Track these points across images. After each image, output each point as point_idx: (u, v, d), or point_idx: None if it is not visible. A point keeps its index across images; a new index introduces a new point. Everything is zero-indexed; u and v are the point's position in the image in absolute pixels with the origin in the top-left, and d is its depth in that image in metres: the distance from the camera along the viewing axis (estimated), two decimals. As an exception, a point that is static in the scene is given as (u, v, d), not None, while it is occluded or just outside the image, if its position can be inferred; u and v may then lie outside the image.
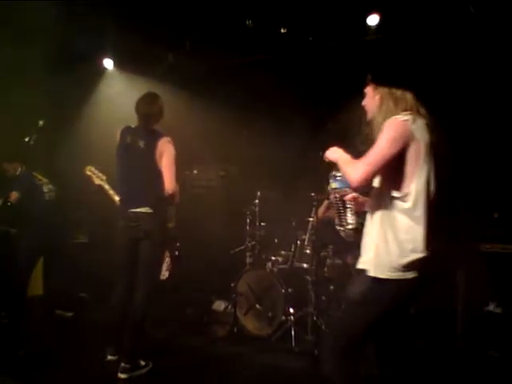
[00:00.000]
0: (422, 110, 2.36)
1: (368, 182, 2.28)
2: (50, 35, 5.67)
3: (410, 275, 2.18)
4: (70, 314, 5.27)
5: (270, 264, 5.00)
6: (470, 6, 4.79)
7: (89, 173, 4.16)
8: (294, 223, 5.19)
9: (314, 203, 4.78)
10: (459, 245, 4.38)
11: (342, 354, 2.33)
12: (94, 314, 5.22)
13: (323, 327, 4.35)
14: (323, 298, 4.76)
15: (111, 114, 5.91)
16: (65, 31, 5.63)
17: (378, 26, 5.29)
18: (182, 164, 5.99)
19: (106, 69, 6.51)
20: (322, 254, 4.93)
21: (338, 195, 2.51)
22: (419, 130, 2.24)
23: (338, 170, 2.45)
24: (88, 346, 4.26)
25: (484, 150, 5.04)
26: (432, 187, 2.25)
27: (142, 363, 3.76)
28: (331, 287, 4.81)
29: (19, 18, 5.20)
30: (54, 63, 5.83)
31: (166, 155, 3.59)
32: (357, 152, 5.14)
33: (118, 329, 3.66)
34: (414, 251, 2.18)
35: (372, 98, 2.46)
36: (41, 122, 4.45)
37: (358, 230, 3.11)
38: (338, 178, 2.47)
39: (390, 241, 2.22)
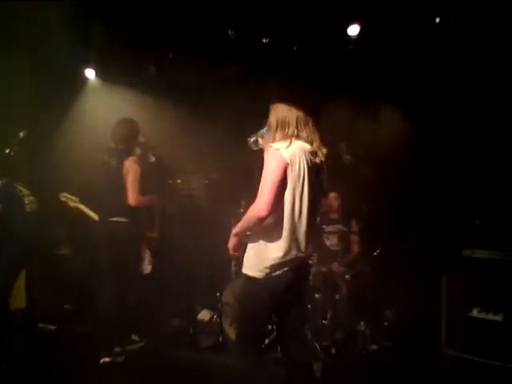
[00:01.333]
0: (304, 134, 2.76)
1: (274, 207, 2.59)
2: (30, 45, 5.63)
3: (274, 274, 2.64)
4: (53, 327, 5.19)
5: (255, 273, 4.98)
6: (450, 15, 4.88)
7: (63, 199, 4.75)
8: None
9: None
10: (441, 251, 4.44)
11: (248, 352, 2.79)
12: (78, 327, 5.17)
13: (309, 335, 4.35)
14: (309, 306, 4.76)
15: (93, 124, 5.88)
16: (46, 41, 5.59)
17: (359, 35, 5.35)
18: (165, 173, 6.02)
19: (87, 79, 6.47)
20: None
21: None
22: (292, 155, 2.65)
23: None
24: (72, 359, 4.21)
25: (465, 157, 5.11)
26: (298, 206, 2.66)
27: (136, 339, 4.50)
28: (316, 295, 4.82)
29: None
30: (34, 73, 5.79)
31: (130, 173, 4.25)
32: (341, 159, 5.21)
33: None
34: (277, 257, 2.64)
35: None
36: (21, 134, 4.41)
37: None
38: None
39: (261, 247, 2.68)
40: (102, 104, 6.12)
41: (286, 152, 2.64)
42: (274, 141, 2.73)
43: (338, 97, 5.63)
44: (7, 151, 4.37)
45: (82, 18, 5.36)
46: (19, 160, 4.58)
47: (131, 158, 4.32)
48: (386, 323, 4.87)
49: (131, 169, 4.25)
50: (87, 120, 6.04)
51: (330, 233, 5.24)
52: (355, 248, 5.28)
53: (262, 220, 2.61)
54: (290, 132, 2.74)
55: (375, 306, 4.87)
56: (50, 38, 5.40)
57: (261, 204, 2.58)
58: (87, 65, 6.36)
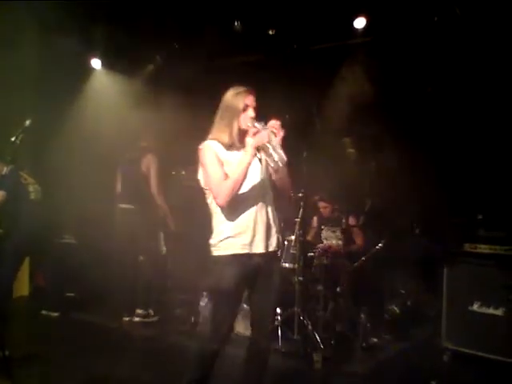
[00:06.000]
0: None
1: None
2: (37, 35, 5.65)
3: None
4: (56, 315, 5.24)
5: (257, 264, 4.99)
6: (456, 7, 4.85)
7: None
8: (281, 224, 5.20)
9: (302, 204, 4.80)
10: (444, 245, 4.44)
11: (221, 339, 2.86)
12: (81, 314, 5.22)
13: (310, 327, 4.38)
14: (310, 298, 4.78)
15: (98, 114, 5.90)
16: (52, 31, 5.61)
17: (365, 28, 5.34)
18: (170, 165, 6.03)
19: (93, 69, 6.49)
20: (309, 254, 4.96)
21: None
22: None
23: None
24: (74, 346, 4.25)
25: (469, 151, 5.10)
26: None
27: (152, 313, 5.10)
28: (318, 287, 4.83)
29: (6, 17, 5.17)
30: (41, 63, 5.81)
31: (152, 167, 5.04)
32: (344, 152, 5.17)
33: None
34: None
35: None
36: (27, 122, 4.42)
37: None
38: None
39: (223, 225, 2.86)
40: (108, 94, 6.14)
41: None
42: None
43: (342, 92, 5.63)
44: (13, 139, 4.38)
45: (89, 8, 5.38)
46: (25, 148, 4.60)
47: (151, 153, 5.07)
48: (387, 316, 4.88)
49: (153, 162, 5.02)
50: (93, 110, 6.06)
51: (328, 235, 5.27)
52: (357, 241, 5.27)
53: None
54: None
55: (376, 298, 4.88)
56: (55, 29, 5.42)
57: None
58: (93, 55, 6.39)
